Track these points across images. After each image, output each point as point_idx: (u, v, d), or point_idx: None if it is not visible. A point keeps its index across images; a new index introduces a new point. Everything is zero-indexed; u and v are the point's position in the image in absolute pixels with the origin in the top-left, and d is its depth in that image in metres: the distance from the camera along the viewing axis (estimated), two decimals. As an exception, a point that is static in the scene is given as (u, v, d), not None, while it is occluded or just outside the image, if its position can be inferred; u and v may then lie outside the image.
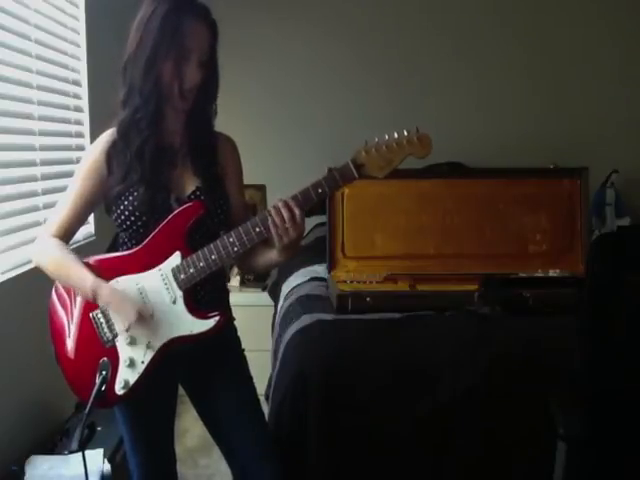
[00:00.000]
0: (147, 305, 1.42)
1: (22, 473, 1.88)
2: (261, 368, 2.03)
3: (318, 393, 1.86)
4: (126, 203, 1.46)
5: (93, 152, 1.50)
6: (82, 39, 2.63)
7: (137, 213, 1.45)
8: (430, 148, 1.39)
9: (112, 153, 1.48)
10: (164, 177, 1.47)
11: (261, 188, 3.64)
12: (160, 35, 1.39)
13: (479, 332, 1.97)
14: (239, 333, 1.66)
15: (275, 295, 2.95)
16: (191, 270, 1.42)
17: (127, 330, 1.42)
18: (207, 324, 1.44)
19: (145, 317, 1.40)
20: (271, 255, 1.50)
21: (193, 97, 1.46)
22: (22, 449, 1.99)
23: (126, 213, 1.46)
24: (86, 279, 1.41)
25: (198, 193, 1.49)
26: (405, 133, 1.38)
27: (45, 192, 2.26)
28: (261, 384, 2.27)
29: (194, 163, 1.52)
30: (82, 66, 2.64)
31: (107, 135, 1.51)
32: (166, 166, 1.48)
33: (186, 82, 1.42)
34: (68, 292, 1.51)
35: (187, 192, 1.49)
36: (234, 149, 1.61)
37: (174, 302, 1.43)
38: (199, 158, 1.52)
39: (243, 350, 1.65)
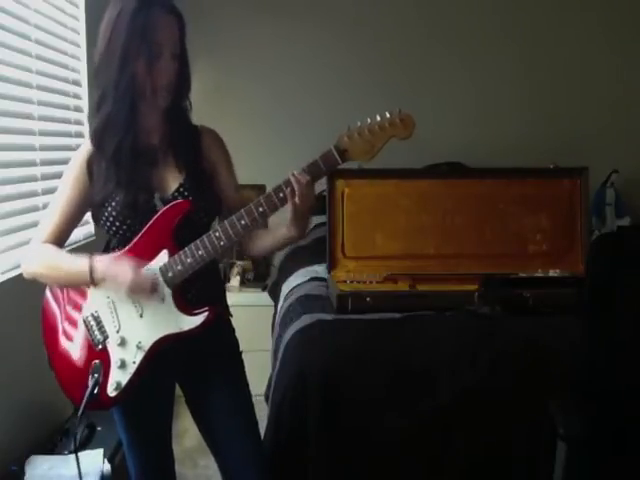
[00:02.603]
0: (142, 272, 1.39)
1: (22, 473, 1.89)
2: (261, 368, 2.04)
3: (318, 393, 1.86)
4: (109, 209, 1.44)
5: (74, 162, 1.48)
6: (82, 39, 2.63)
7: (121, 217, 1.43)
8: (412, 128, 1.34)
9: (92, 162, 1.46)
10: (144, 178, 1.45)
11: (261, 188, 3.64)
12: (130, 34, 1.36)
13: (479, 332, 1.97)
14: (239, 333, 1.64)
15: (275, 295, 2.95)
16: (178, 267, 1.40)
17: (127, 296, 1.40)
18: (196, 320, 1.42)
19: (144, 286, 1.38)
20: (279, 232, 1.47)
21: (170, 92, 1.44)
22: (22, 449, 2.00)
23: (111, 219, 1.44)
24: (81, 260, 1.41)
25: (182, 190, 1.47)
26: (387, 115, 1.35)
27: (45, 192, 2.26)
28: (261, 384, 2.28)
29: (177, 160, 1.49)
30: (82, 66, 2.64)
31: (87, 145, 1.48)
32: (146, 166, 1.46)
33: (161, 77, 1.40)
34: (61, 294, 1.51)
35: (171, 190, 1.47)
36: (217, 139, 1.58)
37: (163, 300, 1.42)
38: (181, 154, 1.50)
39: (241, 353, 1.63)
